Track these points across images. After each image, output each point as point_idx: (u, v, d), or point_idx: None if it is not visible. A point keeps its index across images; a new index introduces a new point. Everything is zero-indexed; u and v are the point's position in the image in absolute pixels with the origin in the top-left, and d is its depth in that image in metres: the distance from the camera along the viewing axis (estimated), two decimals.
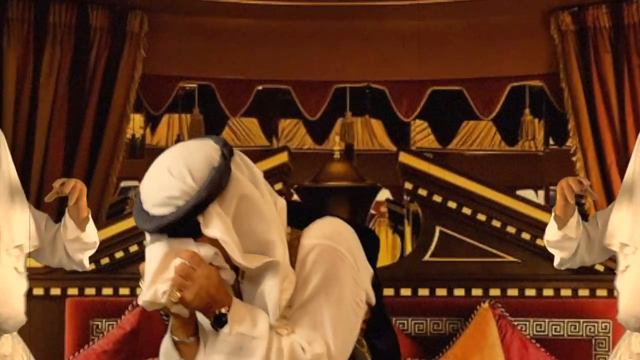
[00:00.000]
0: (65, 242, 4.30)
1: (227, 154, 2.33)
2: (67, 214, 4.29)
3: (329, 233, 2.39)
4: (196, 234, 2.32)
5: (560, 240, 4.24)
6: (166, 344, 2.41)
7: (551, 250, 4.36)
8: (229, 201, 2.32)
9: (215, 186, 2.29)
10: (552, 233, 4.26)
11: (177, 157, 2.33)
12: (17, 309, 4.28)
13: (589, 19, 5.93)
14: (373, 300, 2.45)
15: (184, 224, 2.30)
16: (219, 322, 2.31)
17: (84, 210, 4.26)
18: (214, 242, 2.31)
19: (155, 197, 2.32)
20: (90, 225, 4.32)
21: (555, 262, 4.39)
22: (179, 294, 2.28)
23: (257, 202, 2.34)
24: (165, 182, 2.31)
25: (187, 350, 2.38)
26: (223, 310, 2.30)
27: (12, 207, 4.27)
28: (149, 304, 2.31)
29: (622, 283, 4.26)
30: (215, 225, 2.29)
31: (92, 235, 4.34)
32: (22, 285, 4.32)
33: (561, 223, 4.19)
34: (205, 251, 2.31)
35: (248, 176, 2.37)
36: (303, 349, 2.31)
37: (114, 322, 5.27)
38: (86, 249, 4.36)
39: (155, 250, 2.40)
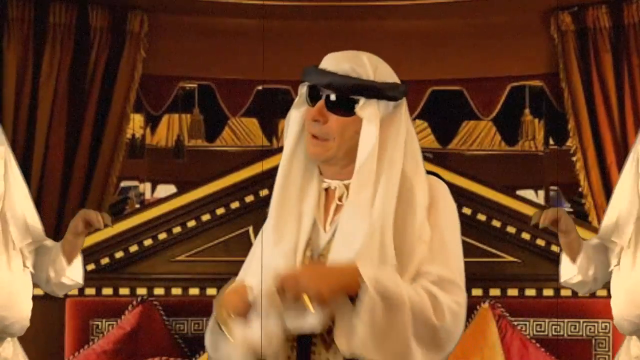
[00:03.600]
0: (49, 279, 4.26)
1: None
2: (60, 250, 4.23)
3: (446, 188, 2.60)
4: (348, 112, 2.51)
5: (577, 283, 4.23)
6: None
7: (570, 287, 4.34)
8: (397, 128, 2.52)
9: (391, 88, 2.55)
10: (568, 274, 4.21)
11: (374, 56, 2.64)
12: (23, 313, 4.24)
13: (589, 19, 5.93)
14: None
15: (350, 92, 2.50)
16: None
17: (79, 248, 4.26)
18: None
19: (342, 61, 2.58)
20: (77, 265, 4.26)
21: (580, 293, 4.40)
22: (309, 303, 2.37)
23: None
24: (355, 57, 2.60)
25: None
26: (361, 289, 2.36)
27: (26, 205, 4.23)
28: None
29: (614, 285, 4.23)
30: (371, 115, 2.49)
31: (75, 276, 4.28)
32: (29, 288, 4.27)
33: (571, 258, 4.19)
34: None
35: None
36: (440, 295, 2.42)
37: (114, 322, 5.27)
38: (66, 288, 4.33)
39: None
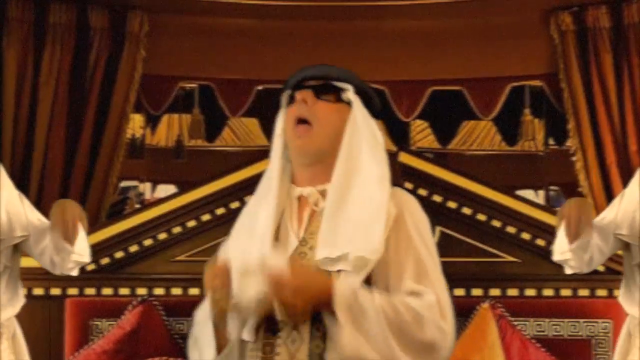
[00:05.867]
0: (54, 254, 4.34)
1: None
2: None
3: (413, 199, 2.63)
4: (334, 98, 2.56)
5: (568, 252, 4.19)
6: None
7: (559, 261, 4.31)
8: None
9: (368, 88, 2.65)
10: (561, 246, 4.20)
11: None
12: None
13: (589, 19, 5.93)
14: None
15: (338, 78, 2.57)
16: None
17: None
18: None
19: (320, 64, 2.59)
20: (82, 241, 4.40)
21: (567, 271, 4.34)
22: (283, 313, 2.39)
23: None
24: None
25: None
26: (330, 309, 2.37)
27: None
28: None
29: None
30: (358, 105, 2.56)
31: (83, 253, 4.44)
32: None
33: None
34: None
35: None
36: (415, 302, 2.39)
37: (114, 322, 5.27)
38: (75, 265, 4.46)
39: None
